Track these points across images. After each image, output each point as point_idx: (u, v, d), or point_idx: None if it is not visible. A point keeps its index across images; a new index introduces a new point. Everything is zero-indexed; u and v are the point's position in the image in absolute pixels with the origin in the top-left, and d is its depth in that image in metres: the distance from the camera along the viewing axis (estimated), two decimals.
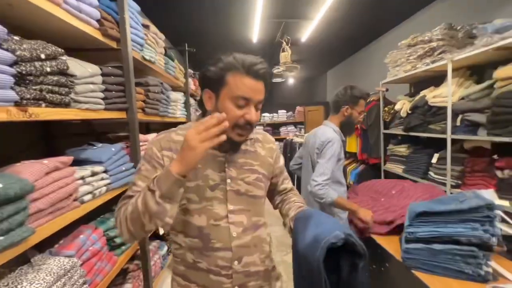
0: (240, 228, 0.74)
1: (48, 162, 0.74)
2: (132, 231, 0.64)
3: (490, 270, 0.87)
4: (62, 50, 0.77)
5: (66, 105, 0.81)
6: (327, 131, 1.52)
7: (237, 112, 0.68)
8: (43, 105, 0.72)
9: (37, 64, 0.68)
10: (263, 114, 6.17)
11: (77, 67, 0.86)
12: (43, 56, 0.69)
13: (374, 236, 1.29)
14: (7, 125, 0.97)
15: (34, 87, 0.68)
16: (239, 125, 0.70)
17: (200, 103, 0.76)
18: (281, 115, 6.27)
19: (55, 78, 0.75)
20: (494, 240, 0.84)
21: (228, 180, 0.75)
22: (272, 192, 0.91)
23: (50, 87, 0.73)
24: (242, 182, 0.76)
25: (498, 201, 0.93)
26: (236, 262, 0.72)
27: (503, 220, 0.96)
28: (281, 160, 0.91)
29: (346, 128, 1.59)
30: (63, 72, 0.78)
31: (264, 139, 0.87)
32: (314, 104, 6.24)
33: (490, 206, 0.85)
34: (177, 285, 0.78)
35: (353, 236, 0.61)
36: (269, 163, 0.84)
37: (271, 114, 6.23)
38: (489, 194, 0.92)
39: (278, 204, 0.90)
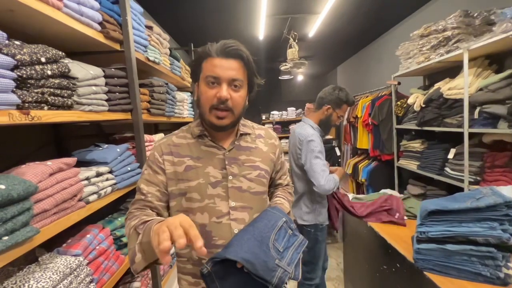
0: (241, 225, 0.74)
1: (52, 164, 0.76)
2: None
3: (510, 272, 0.81)
4: (63, 53, 0.78)
5: (69, 107, 0.82)
6: (306, 129, 1.55)
7: (210, 92, 0.70)
8: (46, 107, 0.73)
9: (38, 67, 0.69)
10: (272, 112, 6.13)
11: (79, 69, 0.87)
12: (43, 59, 0.70)
13: (385, 236, 1.24)
14: (18, 128, 1.01)
15: (35, 90, 0.70)
16: (214, 106, 0.71)
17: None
18: (290, 113, 6.19)
19: (57, 81, 0.76)
20: None
21: (230, 177, 0.75)
22: (269, 186, 0.91)
23: (52, 90, 0.75)
24: (244, 179, 0.76)
25: None
26: None
27: None
28: (283, 156, 0.92)
29: (322, 127, 1.62)
30: (65, 75, 0.80)
31: (266, 135, 0.87)
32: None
33: (510, 204, 0.79)
34: (188, 284, 0.78)
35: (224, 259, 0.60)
36: (271, 159, 0.84)
37: (280, 112, 6.17)
38: (509, 191, 0.86)
39: (268, 197, 0.93)
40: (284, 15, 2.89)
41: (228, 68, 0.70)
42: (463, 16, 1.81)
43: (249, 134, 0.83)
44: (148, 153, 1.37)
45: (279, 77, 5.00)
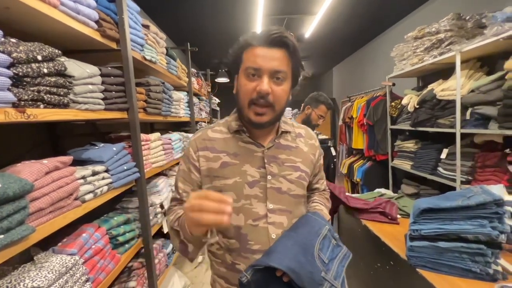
0: (279, 230, 0.68)
1: (48, 162, 0.76)
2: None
3: (499, 268, 0.83)
4: (59, 52, 0.77)
5: (65, 105, 0.82)
6: None
7: (249, 85, 0.64)
8: (42, 106, 0.73)
9: (34, 65, 0.69)
10: None
11: (75, 68, 0.87)
12: (39, 57, 0.70)
13: (379, 234, 1.26)
14: (14, 127, 1.00)
15: (31, 88, 0.69)
16: (253, 101, 0.65)
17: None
18: (287, 113, 6.22)
19: (53, 79, 0.76)
20: (503, 237, 0.80)
21: (269, 177, 0.69)
22: None
23: (48, 88, 0.74)
24: (283, 180, 0.70)
25: (507, 197, 0.89)
26: None
27: None
28: (322, 158, 0.85)
29: (304, 125, 1.78)
30: (61, 73, 0.79)
31: (307, 135, 0.81)
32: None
33: (499, 202, 0.81)
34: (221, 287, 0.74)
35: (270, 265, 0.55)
36: (311, 161, 0.78)
37: None
38: (498, 189, 0.88)
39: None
40: (281, 15, 2.91)
41: (271, 58, 0.63)
42: (456, 19, 1.84)
43: (289, 132, 0.77)
44: (144, 152, 1.37)
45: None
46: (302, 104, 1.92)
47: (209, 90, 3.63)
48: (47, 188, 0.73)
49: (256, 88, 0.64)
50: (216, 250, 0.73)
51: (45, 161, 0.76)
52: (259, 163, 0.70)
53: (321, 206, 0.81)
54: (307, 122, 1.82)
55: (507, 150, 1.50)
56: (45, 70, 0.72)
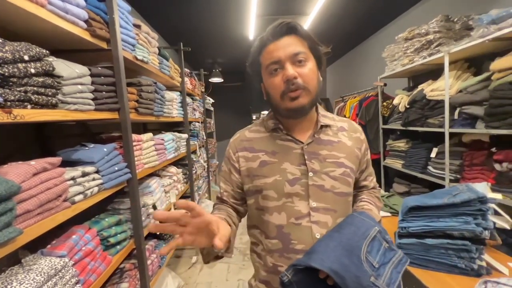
0: (324, 230, 0.65)
1: (36, 163, 0.75)
2: None
3: (483, 264, 0.86)
4: (47, 51, 0.77)
5: (54, 106, 0.81)
6: None
7: (275, 80, 0.64)
8: (29, 106, 0.72)
9: (21, 65, 0.68)
10: (262, 112, 6.14)
11: (64, 68, 0.86)
12: (26, 57, 0.69)
13: None
14: (0, 128, 0.99)
15: (18, 89, 0.68)
16: (284, 92, 0.64)
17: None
18: None
19: (41, 79, 0.75)
20: (486, 233, 0.83)
21: (310, 174, 0.66)
22: None
23: (35, 88, 0.73)
24: (326, 177, 0.67)
25: (491, 194, 0.92)
26: None
27: (497, 213, 0.95)
28: (369, 153, 0.79)
29: None
30: (49, 73, 0.78)
31: (350, 128, 0.76)
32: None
33: (483, 199, 0.84)
34: None
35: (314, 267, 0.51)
36: (356, 156, 0.72)
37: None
38: (482, 187, 0.91)
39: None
40: (274, 15, 2.92)
41: (285, 45, 0.63)
42: (444, 20, 1.89)
43: (330, 126, 0.73)
44: (136, 153, 1.37)
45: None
46: None
47: (203, 90, 3.62)
48: (35, 189, 0.72)
49: (282, 78, 0.63)
50: (261, 251, 0.71)
51: (32, 162, 0.75)
52: (299, 160, 0.68)
53: (370, 206, 0.74)
54: None
55: (493, 149, 1.54)
56: (33, 70, 0.71)
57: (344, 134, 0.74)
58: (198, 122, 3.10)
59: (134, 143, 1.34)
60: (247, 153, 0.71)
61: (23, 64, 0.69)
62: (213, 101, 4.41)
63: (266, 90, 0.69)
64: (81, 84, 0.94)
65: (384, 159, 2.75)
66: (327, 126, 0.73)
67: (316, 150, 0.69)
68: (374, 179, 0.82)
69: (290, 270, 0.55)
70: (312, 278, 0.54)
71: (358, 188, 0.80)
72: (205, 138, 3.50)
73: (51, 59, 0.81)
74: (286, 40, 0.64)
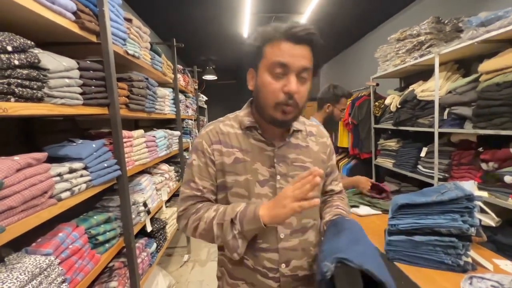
0: (288, 230, 0.68)
1: (20, 159, 0.72)
2: (198, 238, 0.69)
3: (469, 260, 0.88)
4: (32, 43, 0.74)
5: (39, 99, 0.78)
6: None
7: (275, 85, 0.62)
8: (12, 99, 0.69)
9: (3, 56, 0.65)
10: None
11: (50, 60, 0.83)
12: (9, 48, 0.66)
13: None
14: None
15: (1, 81, 0.66)
16: (281, 103, 0.62)
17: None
18: None
19: (25, 71, 0.72)
20: (473, 230, 0.85)
21: (278, 177, 0.68)
22: None
23: (19, 81, 0.71)
24: (292, 180, 0.68)
25: (477, 192, 0.94)
26: (283, 265, 0.67)
27: (483, 211, 0.97)
28: (334, 158, 0.82)
29: (328, 123, 1.69)
30: (34, 66, 0.76)
31: (318, 133, 0.79)
32: (308, 100, 6.21)
33: (470, 197, 0.86)
34: (226, 284, 0.74)
35: (350, 265, 0.50)
36: (322, 160, 0.75)
37: None
38: (469, 185, 0.93)
39: (320, 205, 0.79)
40: (268, 13, 2.91)
41: (298, 55, 0.60)
42: (435, 22, 1.92)
43: (300, 130, 0.75)
44: (127, 149, 1.34)
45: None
46: (317, 103, 1.75)
47: (196, 87, 3.58)
48: (18, 185, 0.70)
49: (283, 89, 0.61)
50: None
51: (16, 157, 0.72)
52: (269, 162, 0.69)
53: (345, 211, 0.75)
54: (330, 120, 1.70)
55: (480, 149, 1.58)
56: (16, 62, 0.68)
57: (312, 139, 0.76)
58: (191, 119, 3.07)
59: (125, 140, 1.32)
60: (221, 147, 0.70)
61: (6, 55, 0.66)
62: (206, 98, 4.38)
63: (258, 85, 0.66)
64: (69, 77, 0.91)
65: (376, 158, 2.79)
66: (298, 130, 0.74)
67: (285, 153, 0.70)
68: (340, 184, 0.84)
69: (333, 263, 0.51)
70: (349, 276, 0.52)
71: (325, 192, 0.82)
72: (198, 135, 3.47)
73: (36, 51, 0.78)
74: (302, 50, 0.61)
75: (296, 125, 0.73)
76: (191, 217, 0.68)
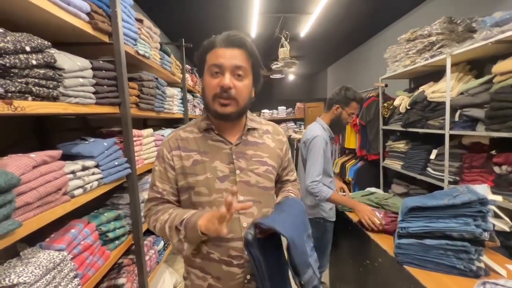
0: (250, 219, 0.74)
1: (36, 156, 0.74)
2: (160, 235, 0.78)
3: (482, 265, 0.86)
4: (49, 43, 0.76)
5: (54, 98, 0.80)
6: (316, 128, 1.63)
7: (213, 82, 0.71)
8: (30, 98, 0.71)
9: (22, 56, 0.67)
10: (263, 111, 6.14)
11: (66, 60, 0.85)
12: (28, 48, 0.68)
13: (368, 232, 1.28)
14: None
15: (19, 80, 0.68)
16: (217, 95, 0.71)
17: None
18: (281, 112, 6.24)
19: (42, 71, 0.74)
20: (486, 235, 0.83)
21: (238, 171, 0.76)
22: (275, 182, 0.91)
23: (36, 80, 0.72)
24: (252, 173, 0.77)
25: (491, 196, 0.92)
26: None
27: (496, 215, 0.95)
28: (289, 152, 0.93)
29: (335, 126, 1.68)
30: (50, 65, 0.77)
31: (274, 131, 0.88)
32: (315, 100, 6.19)
33: (483, 201, 0.84)
34: (196, 278, 0.79)
35: (262, 226, 0.65)
36: (278, 155, 0.84)
37: (271, 111, 6.20)
38: (482, 189, 0.91)
39: (276, 192, 0.93)
40: (277, 14, 2.91)
41: (231, 56, 0.70)
42: (447, 22, 1.88)
43: (256, 129, 0.83)
44: (136, 148, 1.36)
45: (270, 76, 5.01)
46: (326, 103, 1.72)
47: None
48: (34, 182, 0.71)
49: (219, 83, 0.70)
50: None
51: (32, 154, 0.74)
52: (228, 159, 0.76)
53: (293, 195, 0.88)
54: (337, 122, 1.65)
55: (493, 152, 1.54)
56: (34, 62, 0.70)
57: (268, 136, 0.84)
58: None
59: (134, 139, 1.34)
60: (180, 152, 0.77)
61: (25, 55, 0.68)
62: None
63: (203, 86, 0.76)
64: (83, 77, 0.93)
65: (384, 160, 2.75)
66: (254, 129, 0.83)
67: (243, 150, 0.78)
68: (295, 174, 0.96)
69: (251, 228, 0.63)
70: (265, 241, 0.64)
71: (281, 182, 0.93)
72: None
73: (52, 51, 0.80)
74: (234, 52, 0.71)
75: (251, 124, 0.82)
76: (152, 217, 0.77)
